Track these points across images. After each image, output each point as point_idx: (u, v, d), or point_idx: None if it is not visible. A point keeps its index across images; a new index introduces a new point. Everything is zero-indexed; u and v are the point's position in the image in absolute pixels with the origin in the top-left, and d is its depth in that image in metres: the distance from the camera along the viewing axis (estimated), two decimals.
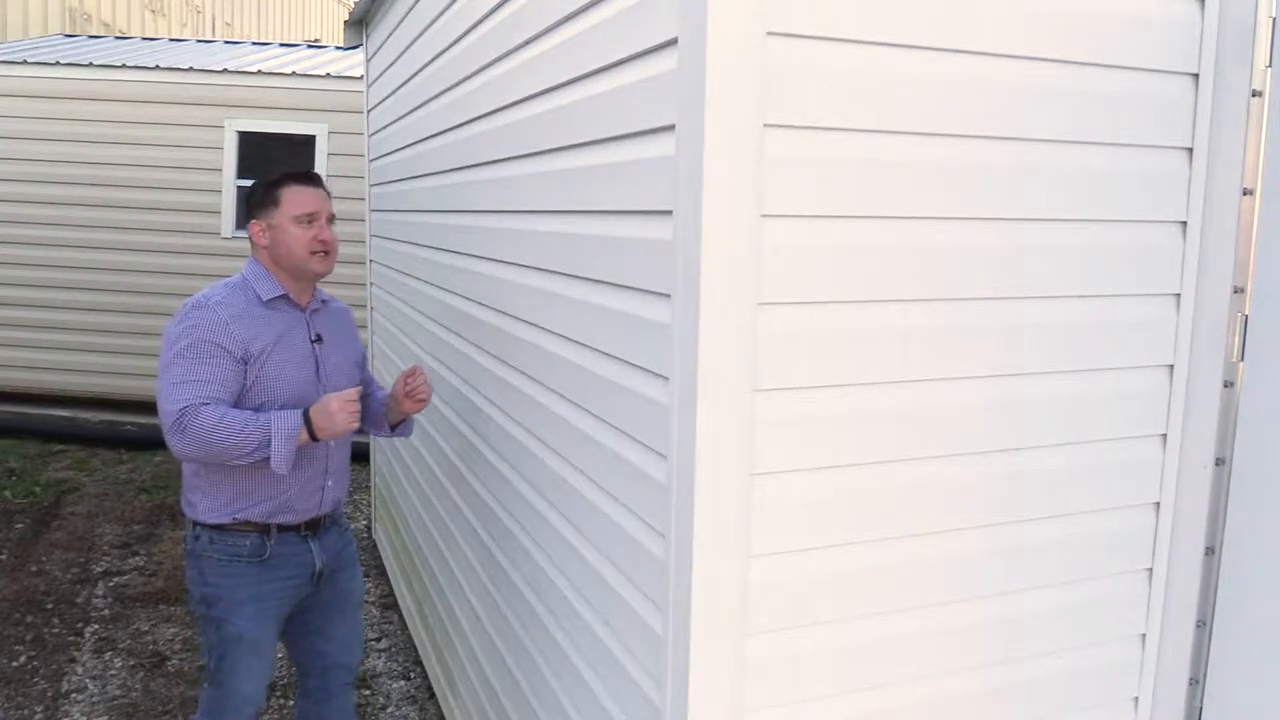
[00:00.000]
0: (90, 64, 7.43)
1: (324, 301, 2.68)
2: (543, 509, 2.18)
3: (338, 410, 2.39)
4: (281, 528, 2.54)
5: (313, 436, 2.39)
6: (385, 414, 2.78)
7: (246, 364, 2.41)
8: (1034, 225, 1.61)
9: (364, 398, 2.78)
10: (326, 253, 2.55)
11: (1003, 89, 1.53)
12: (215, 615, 2.52)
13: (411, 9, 3.65)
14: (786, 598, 1.52)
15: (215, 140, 7.25)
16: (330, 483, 2.63)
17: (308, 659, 2.80)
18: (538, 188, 2.14)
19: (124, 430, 7.20)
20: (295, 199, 2.53)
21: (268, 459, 2.33)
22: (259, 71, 7.41)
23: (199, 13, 15.46)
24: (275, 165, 7.05)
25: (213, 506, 2.49)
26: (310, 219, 2.53)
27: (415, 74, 3.60)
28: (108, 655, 4.03)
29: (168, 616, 4.38)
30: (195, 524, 2.53)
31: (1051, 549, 1.71)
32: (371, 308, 5.21)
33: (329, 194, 2.60)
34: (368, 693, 3.78)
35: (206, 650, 2.59)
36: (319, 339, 2.59)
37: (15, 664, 3.94)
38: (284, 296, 2.54)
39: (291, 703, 3.49)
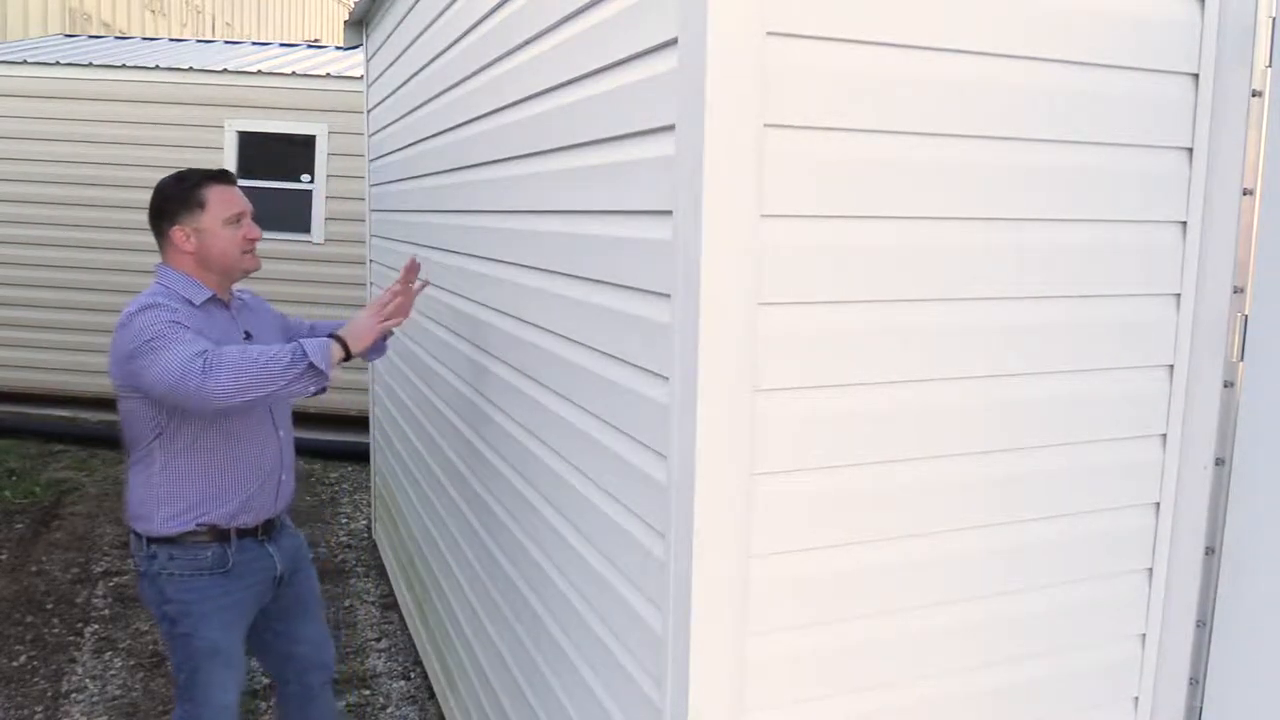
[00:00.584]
0: (90, 64, 7.43)
1: (242, 299, 2.66)
2: (543, 509, 2.18)
3: (365, 317, 2.40)
4: (241, 532, 2.51)
5: (348, 353, 2.35)
6: None
7: None
8: (1034, 225, 1.61)
9: (313, 330, 2.83)
10: (252, 250, 2.54)
11: (1003, 89, 1.53)
12: (182, 631, 2.47)
13: (411, 9, 3.65)
14: (786, 598, 1.52)
15: (215, 140, 7.26)
16: (284, 476, 2.62)
17: (282, 665, 2.78)
18: (538, 188, 2.14)
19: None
20: (222, 200, 2.49)
21: (302, 374, 2.24)
22: (259, 71, 7.41)
23: (199, 13, 15.46)
24: (275, 165, 7.09)
25: (174, 513, 2.43)
26: (239, 219, 2.51)
27: (415, 74, 3.60)
28: (108, 655, 4.03)
29: None
30: (150, 541, 2.45)
31: (1051, 549, 1.71)
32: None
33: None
34: (368, 693, 3.79)
35: (176, 667, 2.53)
36: (248, 336, 2.58)
37: (15, 664, 3.94)
38: (214, 298, 2.51)
39: None
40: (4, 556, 5.02)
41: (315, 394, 2.34)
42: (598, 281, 1.79)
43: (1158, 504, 1.79)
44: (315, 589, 2.81)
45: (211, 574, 2.47)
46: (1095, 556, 1.76)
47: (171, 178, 2.54)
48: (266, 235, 2.69)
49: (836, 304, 1.48)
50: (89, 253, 7.36)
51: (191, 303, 2.44)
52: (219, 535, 2.47)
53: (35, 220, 7.38)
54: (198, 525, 2.45)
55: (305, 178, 7.28)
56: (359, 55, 6.30)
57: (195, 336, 2.29)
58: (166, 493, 2.44)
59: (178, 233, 2.46)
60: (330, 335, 2.36)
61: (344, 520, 5.81)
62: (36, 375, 7.56)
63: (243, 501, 2.50)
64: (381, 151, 4.64)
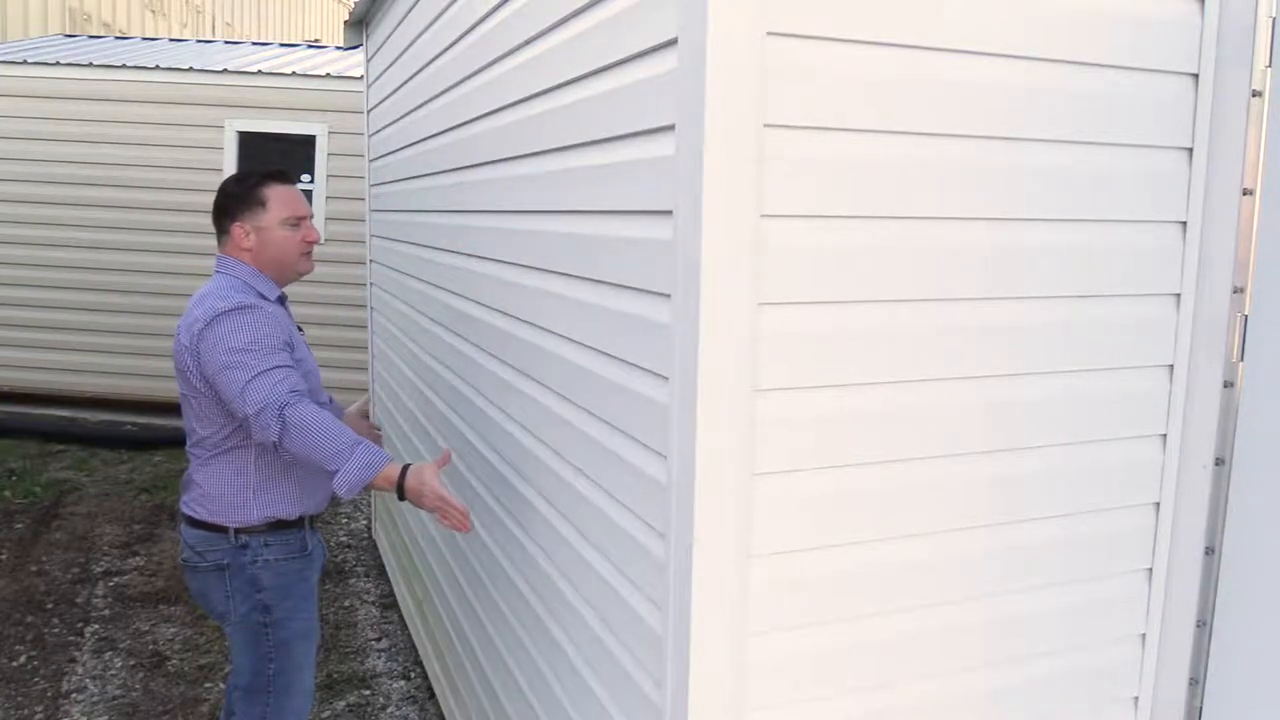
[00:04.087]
0: (90, 64, 7.43)
1: None
2: (543, 509, 2.18)
3: (430, 491, 2.21)
4: (310, 518, 2.58)
5: (400, 494, 2.22)
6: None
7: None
8: (1034, 225, 1.61)
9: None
10: (310, 252, 2.60)
11: (1003, 89, 1.53)
12: (278, 617, 2.50)
13: (411, 9, 3.65)
14: (786, 598, 1.52)
15: (215, 140, 7.26)
16: None
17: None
18: (538, 188, 2.14)
19: (124, 430, 7.20)
20: (283, 201, 2.53)
21: (336, 471, 2.18)
22: (259, 71, 7.41)
23: (199, 13, 15.46)
24: (275, 165, 7.08)
25: (273, 501, 2.45)
26: (299, 221, 2.55)
27: (415, 74, 3.60)
28: (108, 655, 4.03)
29: (168, 616, 4.38)
30: (238, 533, 2.45)
31: (1051, 549, 1.71)
32: (372, 307, 5.21)
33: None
34: (368, 693, 3.79)
35: (261, 660, 2.52)
36: (300, 329, 2.64)
37: (15, 664, 3.94)
38: (281, 297, 2.58)
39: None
40: (4, 556, 5.02)
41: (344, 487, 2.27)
42: (598, 281, 1.79)
43: (1158, 504, 1.79)
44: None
45: (299, 558, 2.53)
46: (1095, 556, 1.76)
47: (234, 177, 2.61)
48: None
49: (836, 304, 1.48)
50: (89, 253, 7.37)
51: (266, 299, 2.47)
52: (299, 521, 2.53)
53: (35, 220, 7.38)
54: (300, 514, 2.51)
55: (305, 178, 7.28)
56: (359, 55, 6.31)
57: (286, 361, 2.31)
58: (269, 478, 2.46)
59: (238, 229, 2.50)
60: (405, 465, 2.24)
61: (344, 520, 5.81)
62: (36, 375, 7.56)
63: (327, 486, 2.57)
64: (381, 151, 4.64)
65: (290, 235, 2.53)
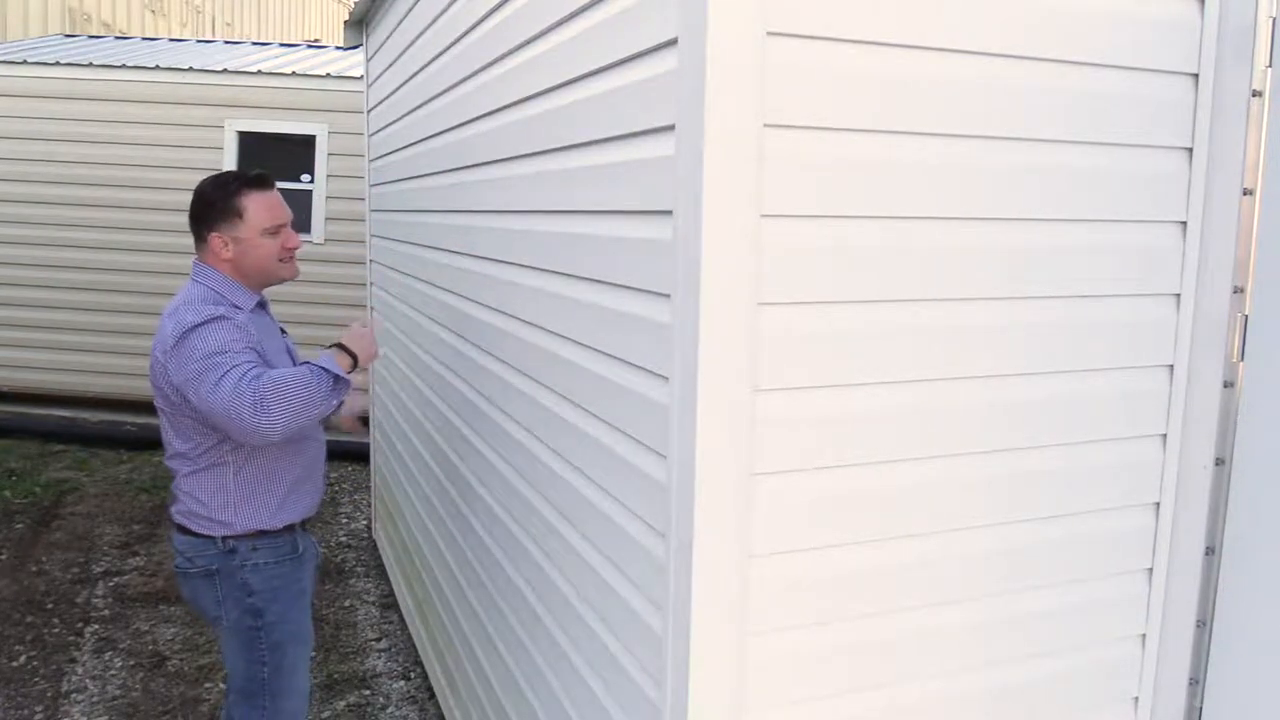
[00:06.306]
0: (90, 64, 7.43)
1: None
2: (543, 509, 2.18)
3: (363, 333, 2.42)
4: (303, 522, 2.57)
5: (355, 362, 2.36)
6: None
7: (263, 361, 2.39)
8: (1034, 225, 1.61)
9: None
10: (292, 258, 2.54)
11: (1003, 89, 1.53)
12: (270, 620, 2.48)
13: (411, 9, 3.65)
14: (786, 597, 1.52)
15: (215, 140, 7.25)
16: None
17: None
18: (537, 188, 2.14)
19: (124, 430, 7.20)
20: (262, 210, 2.46)
21: (332, 388, 2.27)
22: (259, 71, 7.41)
23: (199, 13, 15.46)
24: (275, 165, 7.09)
25: (258, 513, 2.45)
26: (278, 230, 2.48)
27: (415, 74, 3.60)
28: (108, 655, 4.03)
29: (168, 616, 4.38)
30: (227, 539, 2.44)
31: (1051, 549, 1.71)
32: (372, 308, 5.21)
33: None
34: (368, 693, 3.79)
35: (254, 663, 2.51)
36: (283, 331, 2.64)
37: (15, 664, 3.94)
38: (260, 303, 2.54)
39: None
40: (4, 556, 5.02)
41: (335, 409, 2.36)
42: (597, 281, 1.79)
43: (1158, 504, 1.79)
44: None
45: (290, 561, 2.52)
46: (1095, 556, 1.76)
47: (210, 182, 2.50)
48: None
49: (836, 304, 1.48)
50: (89, 253, 7.37)
51: (240, 309, 2.43)
52: (289, 525, 2.53)
53: (35, 220, 7.38)
54: (285, 523, 2.49)
55: (305, 178, 7.28)
56: (359, 55, 6.30)
57: (252, 360, 2.28)
58: (250, 493, 2.45)
59: (216, 240, 2.44)
60: (334, 344, 2.37)
61: (344, 520, 5.81)
62: (36, 375, 7.55)
63: (315, 492, 2.58)
64: (381, 151, 4.64)
65: (270, 244, 2.46)
